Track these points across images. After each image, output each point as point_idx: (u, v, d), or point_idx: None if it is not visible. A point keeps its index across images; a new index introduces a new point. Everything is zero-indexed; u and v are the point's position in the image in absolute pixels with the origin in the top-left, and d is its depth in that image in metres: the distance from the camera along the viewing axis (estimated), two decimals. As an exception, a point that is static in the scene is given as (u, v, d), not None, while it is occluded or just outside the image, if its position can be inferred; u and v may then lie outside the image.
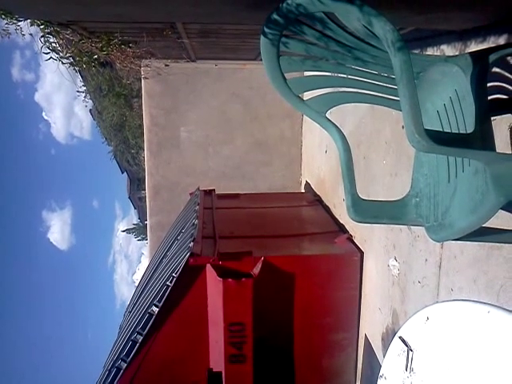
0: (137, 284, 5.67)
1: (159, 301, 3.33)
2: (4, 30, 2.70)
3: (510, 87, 1.59)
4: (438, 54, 2.50)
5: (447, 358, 1.10)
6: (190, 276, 3.37)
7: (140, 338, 3.33)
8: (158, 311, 3.32)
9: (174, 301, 3.37)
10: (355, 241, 3.92)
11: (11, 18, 2.43)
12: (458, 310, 1.11)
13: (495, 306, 0.99)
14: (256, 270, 3.40)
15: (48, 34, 2.81)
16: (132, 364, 3.37)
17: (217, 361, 3.46)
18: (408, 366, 1.24)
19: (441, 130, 1.40)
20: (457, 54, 2.25)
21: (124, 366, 3.34)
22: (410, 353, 1.23)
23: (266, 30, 1.29)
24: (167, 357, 3.49)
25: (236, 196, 5.48)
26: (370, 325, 3.62)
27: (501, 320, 0.97)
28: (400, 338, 1.28)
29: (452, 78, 1.39)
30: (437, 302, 1.21)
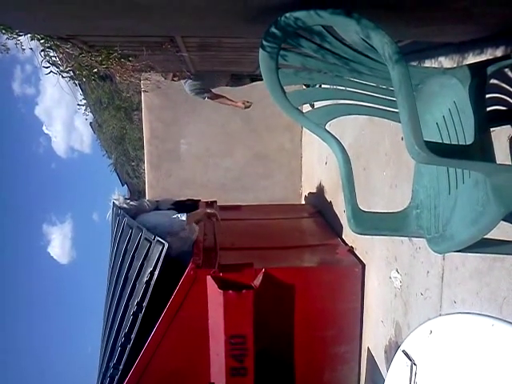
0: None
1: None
2: (3, 45, 2.71)
3: (508, 98, 1.59)
4: (436, 66, 2.51)
5: (451, 371, 1.09)
6: (190, 288, 3.35)
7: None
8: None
9: (173, 313, 3.34)
10: (356, 253, 3.90)
11: (11, 33, 2.44)
12: (462, 323, 1.10)
13: (499, 319, 0.98)
14: (257, 282, 3.38)
15: (48, 48, 2.82)
16: (131, 378, 3.34)
17: (218, 374, 3.43)
18: (412, 380, 1.22)
19: (440, 141, 1.40)
20: (455, 66, 2.26)
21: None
22: (414, 366, 1.22)
23: (265, 43, 1.30)
24: (167, 371, 3.46)
25: (237, 207, 5.47)
26: (373, 337, 3.58)
27: (505, 333, 0.96)
28: (403, 351, 1.27)
29: (450, 89, 1.39)
30: (440, 315, 1.20)
